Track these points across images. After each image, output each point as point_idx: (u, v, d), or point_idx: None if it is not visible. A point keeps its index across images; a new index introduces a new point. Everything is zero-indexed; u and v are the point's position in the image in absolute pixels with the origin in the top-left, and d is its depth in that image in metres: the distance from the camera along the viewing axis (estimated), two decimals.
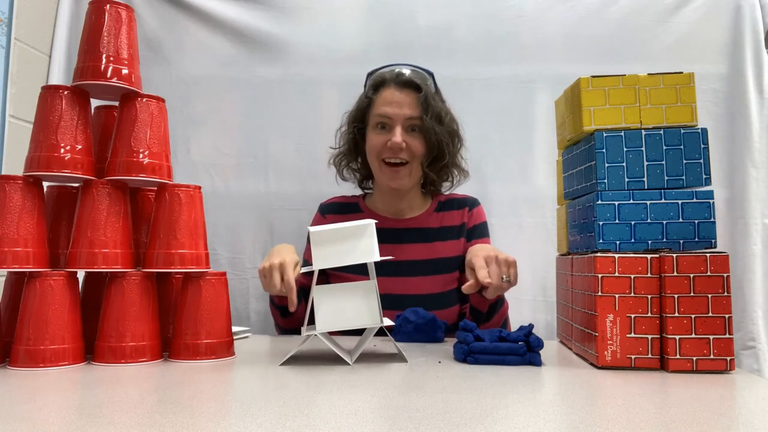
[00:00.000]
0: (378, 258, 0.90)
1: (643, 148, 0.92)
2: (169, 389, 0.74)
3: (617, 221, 0.91)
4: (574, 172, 1.04)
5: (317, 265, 0.90)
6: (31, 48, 1.59)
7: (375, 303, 0.90)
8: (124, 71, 0.95)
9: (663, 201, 0.90)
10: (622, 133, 0.92)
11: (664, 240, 0.90)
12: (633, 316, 0.86)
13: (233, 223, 1.71)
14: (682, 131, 0.91)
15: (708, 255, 0.85)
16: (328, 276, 1.34)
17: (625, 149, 0.92)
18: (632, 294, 0.86)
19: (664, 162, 0.91)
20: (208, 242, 1.00)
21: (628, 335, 0.86)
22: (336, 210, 1.44)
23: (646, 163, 0.91)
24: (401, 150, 1.29)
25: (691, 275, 0.84)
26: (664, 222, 0.90)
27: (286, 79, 1.72)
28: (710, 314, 0.84)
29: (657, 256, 0.87)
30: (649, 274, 0.86)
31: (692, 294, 0.84)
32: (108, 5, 0.95)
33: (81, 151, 0.93)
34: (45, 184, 0.98)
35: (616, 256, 0.87)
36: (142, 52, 1.07)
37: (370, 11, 1.74)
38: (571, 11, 1.68)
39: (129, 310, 0.91)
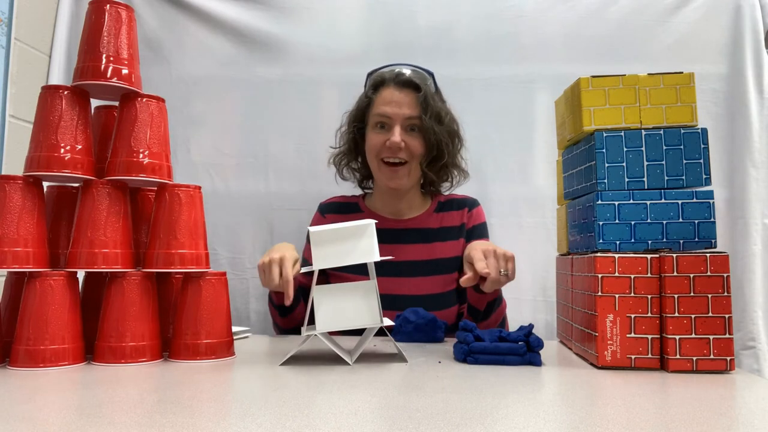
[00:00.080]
0: (378, 258, 0.90)
1: (643, 148, 0.92)
2: (169, 389, 0.74)
3: (617, 221, 0.91)
4: (574, 172, 1.04)
5: (317, 265, 0.90)
6: (31, 48, 1.59)
7: (375, 303, 0.90)
8: (124, 71, 0.95)
9: (663, 201, 0.90)
10: (622, 133, 0.92)
11: (664, 240, 0.90)
12: (633, 316, 0.86)
13: (233, 223, 1.71)
14: (682, 131, 0.91)
15: (708, 255, 0.85)
16: (328, 276, 1.34)
17: (625, 149, 0.92)
18: (632, 294, 0.86)
19: (664, 162, 0.91)
20: (208, 242, 1.00)
21: (628, 335, 0.86)
22: (336, 210, 1.44)
23: (646, 163, 0.91)
24: (400, 150, 1.29)
25: (691, 275, 0.84)
26: (664, 222, 0.90)
27: (286, 79, 1.72)
28: (710, 314, 0.84)
29: (657, 256, 0.87)
30: (649, 274, 0.86)
31: (692, 294, 0.84)
32: (108, 5, 0.95)
33: (81, 151, 0.93)
34: (45, 184, 0.98)
35: (616, 256, 0.87)
36: (142, 52, 1.07)
37: (370, 11, 1.74)
38: (571, 11, 1.68)
39: (129, 310, 0.91)
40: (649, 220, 0.90)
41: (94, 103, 1.01)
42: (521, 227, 1.67)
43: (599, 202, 0.91)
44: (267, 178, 1.73)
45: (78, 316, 0.90)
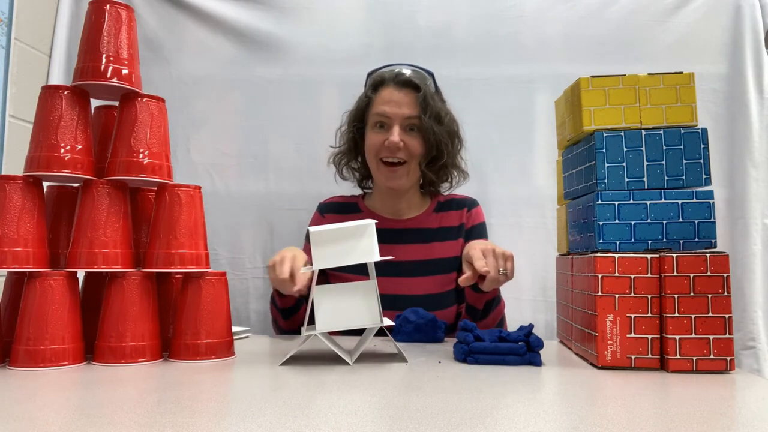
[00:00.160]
0: (378, 258, 0.90)
1: (643, 148, 0.92)
2: (169, 389, 0.74)
3: (617, 221, 0.91)
4: (574, 172, 1.04)
5: (317, 265, 0.90)
6: (31, 48, 1.59)
7: (375, 303, 0.90)
8: (124, 71, 0.95)
9: (663, 201, 0.90)
10: (622, 133, 0.92)
11: (664, 240, 0.90)
12: (633, 316, 0.86)
13: (233, 223, 1.71)
14: (682, 131, 0.91)
15: (708, 255, 0.85)
16: (327, 276, 1.34)
17: (625, 149, 0.92)
18: (632, 294, 0.86)
19: (664, 162, 0.91)
20: (208, 242, 1.00)
21: (628, 335, 0.86)
22: (335, 210, 1.44)
23: (646, 163, 0.91)
24: (398, 149, 1.29)
25: (691, 275, 0.84)
26: (664, 222, 0.90)
27: (286, 79, 1.72)
28: (710, 314, 0.84)
29: (657, 256, 0.87)
30: (649, 274, 0.86)
31: (692, 294, 0.84)
32: (108, 5, 0.95)
33: (81, 151, 0.93)
34: (45, 184, 0.98)
35: (616, 256, 0.87)
36: (142, 52, 1.07)
37: (370, 11, 1.74)
38: (571, 11, 1.68)
39: (129, 310, 0.91)
40: (649, 220, 0.90)
41: (94, 103, 1.01)
42: (521, 227, 1.67)
43: (599, 202, 0.91)
44: (267, 178, 1.73)
45: (78, 316, 0.90)
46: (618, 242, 0.90)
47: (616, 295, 0.86)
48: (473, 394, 0.70)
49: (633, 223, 0.90)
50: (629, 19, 1.66)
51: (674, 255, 0.85)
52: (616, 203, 0.91)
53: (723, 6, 1.64)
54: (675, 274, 0.85)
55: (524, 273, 1.61)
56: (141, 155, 0.94)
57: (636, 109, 0.93)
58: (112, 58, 0.94)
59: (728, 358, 0.84)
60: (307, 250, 1.41)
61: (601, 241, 0.91)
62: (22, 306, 0.88)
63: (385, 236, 1.26)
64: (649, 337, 0.86)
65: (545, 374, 0.85)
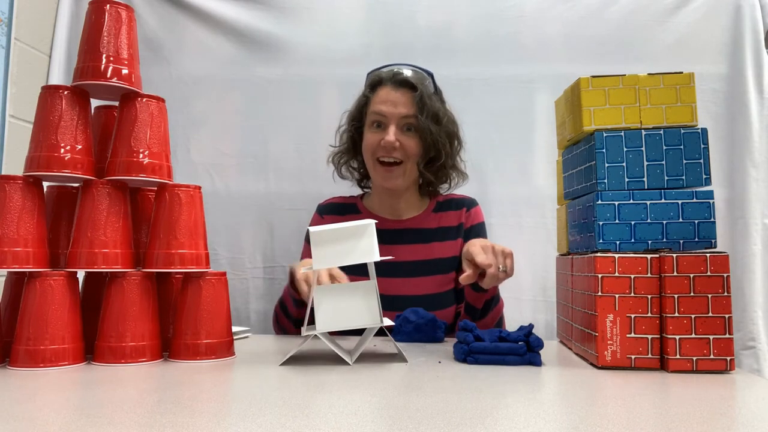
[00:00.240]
0: (378, 258, 0.90)
1: (643, 148, 0.92)
2: (169, 389, 0.74)
3: (617, 221, 0.91)
4: (574, 172, 1.04)
5: (317, 265, 0.90)
6: (31, 48, 1.59)
7: (375, 303, 0.90)
8: (124, 71, 0.95)
9: (663, 201, 0.90)
10: (622, 133, 0.92)
11: (664, 240, 0.90)
12: (633, 316, 0.86)
13: (233, 223, 1.71)
14: (682, 131, 0.91)
15: (708, 255, 0.85)
16: None
17: (625, 149, 0.92)
18: (632, 294, 0.86)
19: (664, 162, 0.91)
20: (208, 242, 1.00)
21: (628, 335, 0.86)
22: (334, 211, 1.44)
23: (646, 163, 0.91)
24: (394, 149, 1.29)
25: (691, 275, 0.84)
26: (664, 222, 0.90)
27: (286, 79, 1.72)
28: (710, 314, 0.84)
29: (657, 256, 0.87)
30: (649, 274, 0.86)
31: (692, 294, 0.84)
32: (108, 5, 0.95)
33: (81, 151, 0.93)
34: (45, 184, 0.98)
35: (616, 256, 0.87)
36: (142, 52, 1.07)
37: (370, 11, 1.74)
38: (571, 11, 1.68)
39: (129, 310, 0.91)
40: (649, 220, 0.90)
41: (94, 103, 1.00)
42: (521, 227, 1.67)
43: (599, 202, 0.91)
44: (267, 178, 1.73)
45: (78, 316, 0.90)
46: (618, 242, 0.90)
47: (616, 295, 0.86)
48: (473, 394, 0.70)
49: (633, 223, 0.90)
50: (629, 19, 1.66)
51: (674, 255, 0.85)
52: (616, 203, 0.91)
53: (723, 6, 1.64)
54: (675, 274, 0.85)
55: (524, 273, 1.61)
56: (141, 155, 0.94)
57: (636, 109, 0.93)
58: (112, 58, 0.94)
59: (728, 358, 0.84)
60: (307, 250, 1.41)
61: (601, 241, 0.91)
62: (22, 306, 0.88)
63: (384, 236, 1.26)
64: (649, 337, 0.86)
65: (545, 374, 0.85)
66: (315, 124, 1.71)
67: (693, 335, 0.84)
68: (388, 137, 1.28)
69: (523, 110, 1.69)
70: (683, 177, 0.91)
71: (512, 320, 1.37)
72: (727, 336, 0.84)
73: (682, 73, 0.93)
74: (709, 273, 0.84)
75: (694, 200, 0.90)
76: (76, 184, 1.00)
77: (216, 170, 1.73)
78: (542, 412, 0.63)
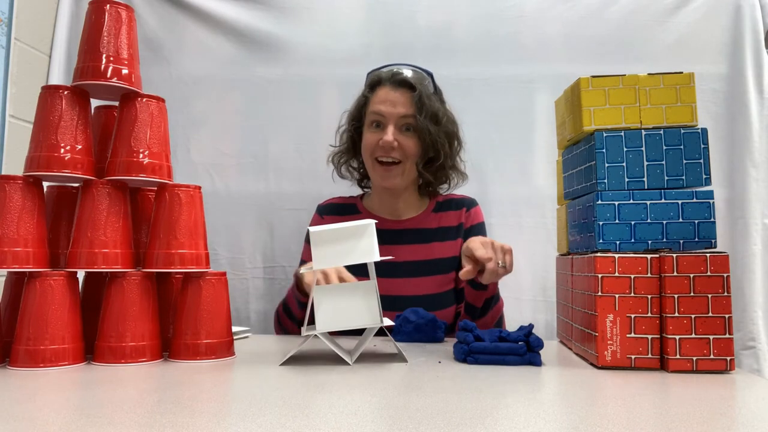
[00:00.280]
0: (378, 258, 0.90)
1: (643, 148, 0.92)
2: (169, 389, 0.74)
3: (617, 221, 0.91)
4: (574, 172, 1.04)
5: (317, 265, 0.90)
6: (31, 48, 1.59)
7: (375, 303, 0.90)
8: (124, 71, 0.95)
9: (663, 201, 0.90)
10: (622, 133, 0.92)
11: (664, 240, 0.90)
12: (633, 316, 0.86)
13: (233, 223, 1.71)
14: (682, 131, 0.91)
15: (708, 255, 0.85)
16: None
17: (625, 149, 0.92)
18: (632, 294, 0.86)
19: (664, 162, 0.91)
20: (208, 242, 1.00)
21: (628, 335, 0.86)
22: (334, 211, 1.44)
23: (646, 163, 0.91)
24: (393, 149, 1.29)
25: (691, 275, 0.84)
26: (664, 222, 0.90)
27: (286, 79, 1.72)
28: (710, 314, 0.84)
29: (657, 256, 0.87)
30: (649, 274, 0.86)
31: (692, 294, 0.84)
32: (108, 5, 0.95)
33: (81, 151, 0.93)
34: (45, 184, 0.98)
35: (616, 256, 0.87)
36: (142, 52, 1.07)
37: (370, 11, 1.74)
38: (571, 11, 1.68)
39: (129, 310, 0.91)
40: (649, 220, 0.90)
41: (94, 103, 1.00)
42: (521, 227, 1.67)
43: (599, 202, 0.91)
44: (267, 178, 1.73)
45: (78, 316, 0.90)
46: (618, 242, 0.90)
47: (616, 295, 0.86)
48: (473, 394, 0.70)
49: (633, 223, 0.90)
50: (629, 19, 1.66)
51: (674, 255, 0.85)
52: (616, 203, 0.91)
53: (723, 6, 1.64)
54: (675, 274, 0.85)
55: (524, 273, 1.62)
56: (141, 155, 0.94)
57: (636, 109, 0.93)
58: (112, 58, 0.94)
59: (728, 358, 0.84)
60: (307, 251, 1.41)
61: (601, 241, 0.91)
62: (22, 306, 0.88)
63: (384, 237, 1.26)
64: (649, 337, 0.86)
65: (545, 374, 0.85)
66: (315, 124, 1.71)
67: (693, 335, 0.84)
68: (386, 137, 1.28)
69: (523, 110, 1.69)
70: (683, 177, 0.91)
71: (512, 320, 1.37)
72: (727, 336, 0.84)
73: (682, 73, 0.93)
74: (709, 273, 0.84)
75: (694, 200, 0.90)
76: (76, 184, 1.00)
77: (216, 170, 1.73)
78: (542, 412, 0.63)
